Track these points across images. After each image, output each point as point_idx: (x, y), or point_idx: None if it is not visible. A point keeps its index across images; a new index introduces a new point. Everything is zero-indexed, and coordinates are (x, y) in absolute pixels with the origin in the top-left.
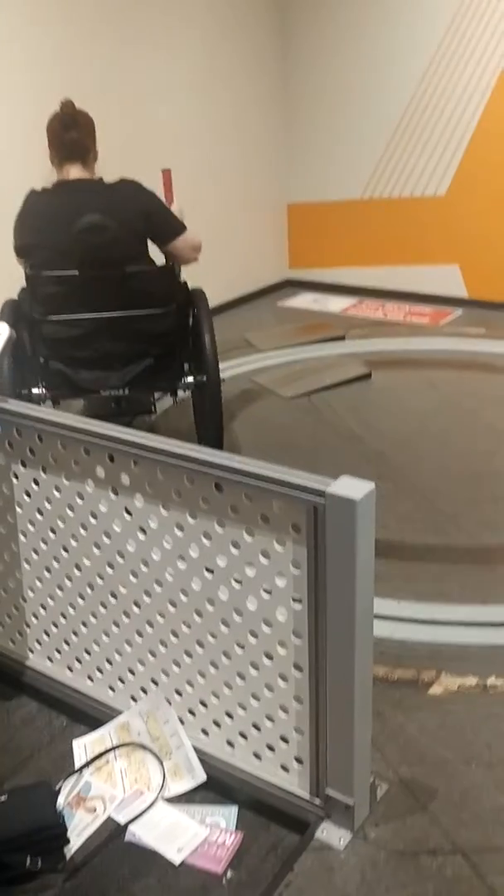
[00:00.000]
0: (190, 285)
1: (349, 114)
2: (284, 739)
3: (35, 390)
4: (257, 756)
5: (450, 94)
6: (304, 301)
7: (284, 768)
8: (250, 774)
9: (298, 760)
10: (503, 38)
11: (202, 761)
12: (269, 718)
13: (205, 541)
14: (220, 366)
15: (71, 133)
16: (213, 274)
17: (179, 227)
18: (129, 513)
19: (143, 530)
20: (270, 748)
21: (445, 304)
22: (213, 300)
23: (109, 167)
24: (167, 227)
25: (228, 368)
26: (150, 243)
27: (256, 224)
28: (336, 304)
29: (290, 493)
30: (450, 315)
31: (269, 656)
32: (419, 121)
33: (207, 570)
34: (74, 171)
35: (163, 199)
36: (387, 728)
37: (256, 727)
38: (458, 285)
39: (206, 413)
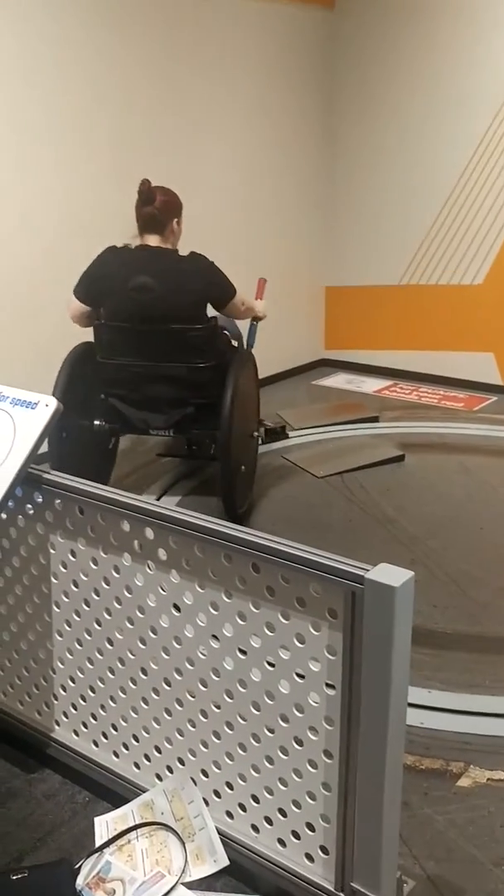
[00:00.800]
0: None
1: (391, 203)
2: (311, 827)
3: (96, 422)
4: (282, 842)
5: (490, 187)
6: (338, 381)
7: (309, 857)
8: (274, 861)
9: (324, 850)
10: None
11: (225, 845)
12: (296, 805)
13: (239, 621)
14: None
15: (147, 208)
16: None
17: (232, 293)
18: (163, 588)
19: (178, 607)
20: (296, 835)
21: (480, 391)
22: None
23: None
24: (223, 294)
25: (262, 446)
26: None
27: (294, 304)
28: (370, 385)
29: (328, 577)
30: (484, 402)
31: (300, 742)
32: (459, 212)
33: (241, 650)
34: (152, 241)
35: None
36: (414, 820)
37: (283, 813)
38: (493, 373)
39: (220, 467)
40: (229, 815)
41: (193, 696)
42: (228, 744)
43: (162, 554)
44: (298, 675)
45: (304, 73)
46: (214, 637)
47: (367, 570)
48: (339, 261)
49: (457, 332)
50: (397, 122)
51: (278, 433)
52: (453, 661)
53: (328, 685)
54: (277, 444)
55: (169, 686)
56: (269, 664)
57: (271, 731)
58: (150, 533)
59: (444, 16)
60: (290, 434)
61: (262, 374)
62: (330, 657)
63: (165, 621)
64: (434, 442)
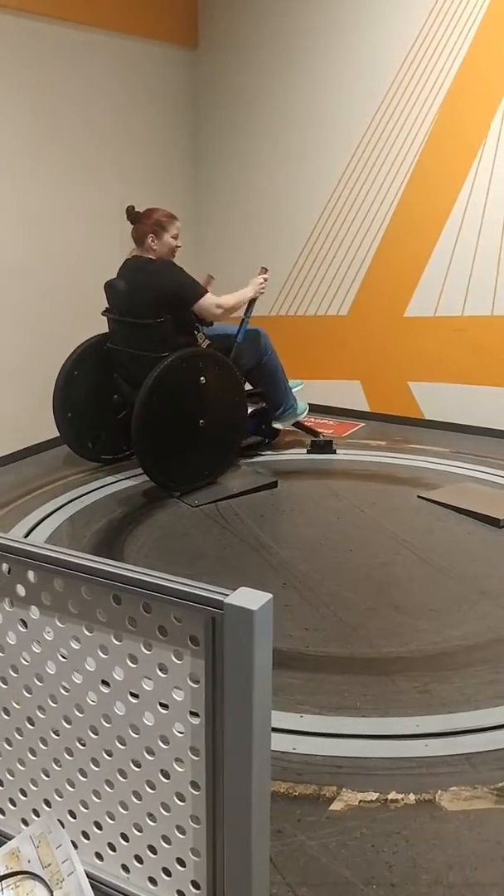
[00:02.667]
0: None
1: (258, 238)
2: (181, 862)
3: (115, 396)
4: (153, 881)
5: (350, 221)
6: None
7: (181, 893)
8: None
9: (195, 885)
10: (395, 177)
11: (95, 889)
12: (166, 840)
13: (101, 654)
14: (126, 472)
15: (134, 227)
16: None
17: (193, 294)
18: (24, 625)
19: (39, 643)
20: (167, 872)
21: (349, 417)
22: None
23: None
24: (182, 293)
25: (134, 476)
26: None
27: None
28: None
29: (188, 604)
30: (353, 427)
31: (166, 774)
32: (322, 247)
33: (104, 683)
34: (136, 252)
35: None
36: (287, 847)
37: (152, 850)
38: (360, 400)
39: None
40: (98, 856)
41: (58, 735)
42: (95, 781)
43: (20, 590)
44: (162, 705)
45: (169, 111)
46: (77, 672)
47: (227, 595)
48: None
49: (326, 361)
50: (261, 160)
51: (322, 446)
52: (325, 683)
53: (192, 713)
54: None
55: (32, 726)
56: (133, 696)
57: (137, 765)
58: (7, 570)
59: (304, 57)
60: None
61: None
62: (193, 685)
63: (27, 659)
64: (306, 468)
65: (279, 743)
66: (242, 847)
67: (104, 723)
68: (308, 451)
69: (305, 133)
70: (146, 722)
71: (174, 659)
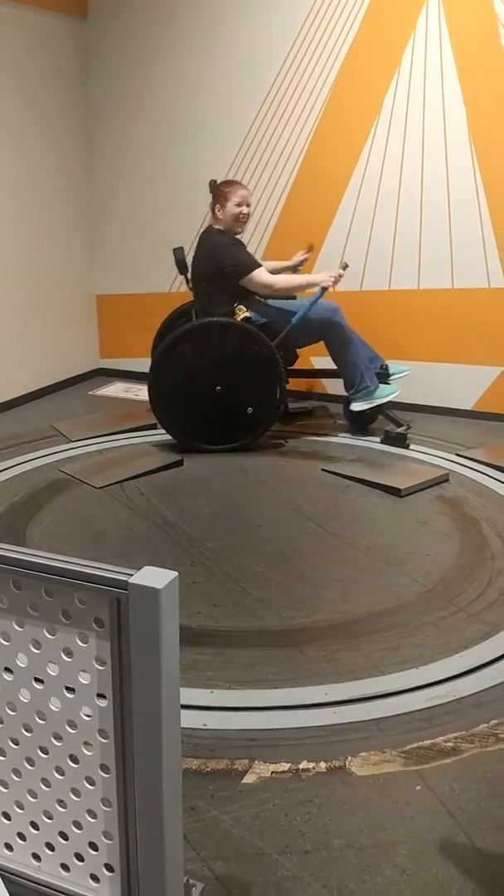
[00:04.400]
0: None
1: (153, 212)
2: (93, 847)
3: None
4: (65, 867)
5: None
6: (116, 390)
7: (95, 878)
8: (59, 888)
9: (109, 868)
10: (292, 152)
11: (6, 880)
12: (77, 825)
13: (3, 642)
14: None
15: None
16: (21, 363)
17: (244, 271)
18: None
19: None
20: (79, 857)
21: None
22: (21, 389)
23: None
24: (229, 265)
25: (36, 459)
26: None
27: (65, 314)
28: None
29: (91, 587)
30: None
31: (75, 759)
32: None
33: (7, 670)
34: (210, 222)
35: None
36: (201, 823)
37: (64, 836)
38: None
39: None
40: (8, 847)
41: None
42: (2, 771)
43: None
44: (69, 689)
45: (60, 81)
46: None
47: (131, 575)
48: (109, 270)
49: None
50: (154, 134)
51: (393, 438)
52: (235, 658)
53: (100, 696)
54: (55, 456)
55: None
56: (38, 681)
57: (45, 751)
58: None
59: (198, 27)
60: (68, 446)
61: (35, 387)
62: (99, 667)
63: None
64: None
65: (190, 720)
66: (155, 827)
67: (9, 711)
68: (381, 441)
69: (201, 103)
70: (52, 707)
71: (79, 642)
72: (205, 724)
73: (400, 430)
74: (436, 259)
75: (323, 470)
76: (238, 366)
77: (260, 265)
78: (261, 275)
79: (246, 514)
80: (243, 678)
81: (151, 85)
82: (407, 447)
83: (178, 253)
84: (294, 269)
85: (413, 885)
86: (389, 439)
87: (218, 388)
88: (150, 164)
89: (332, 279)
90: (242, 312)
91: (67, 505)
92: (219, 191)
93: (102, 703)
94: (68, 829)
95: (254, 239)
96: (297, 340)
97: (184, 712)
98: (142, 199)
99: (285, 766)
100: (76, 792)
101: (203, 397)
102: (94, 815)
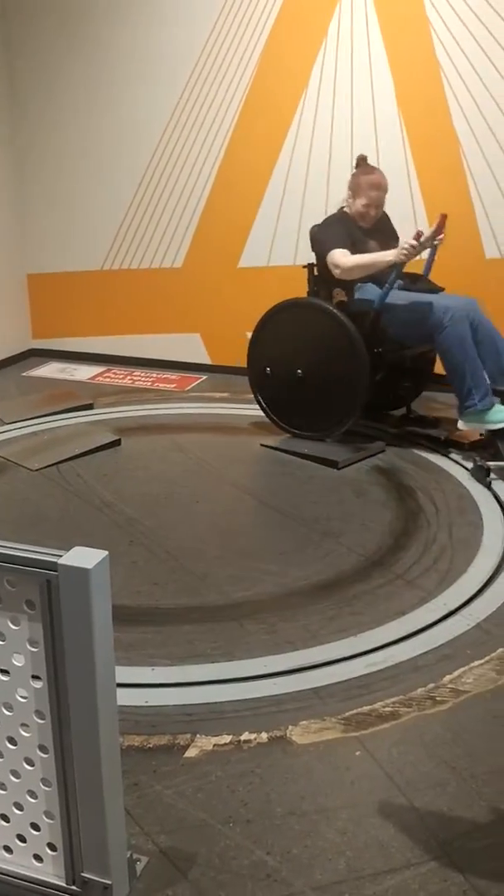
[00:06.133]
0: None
1: (85, 186)
2: (35, 827)
3: None
4: (8, 849)
5: (178, 171)
6: (50, 371)
7: (38, 857)
8: (2, 871)
9: (52, 847)
10: (220, 128)
11: None
12: (18, 806)
13: None
14: None
15: None
16: None
17: (325, 250)
18: None
19: None
20: (21, 838)
21: (190, 371)
22: None
23: None
24: (318, 247)
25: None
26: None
27: None
28: (83, 372)
29: (21, 569)
30: (195, 381)
31: (13, 741)
32: (152, 198)
33: None
34: None
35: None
36: (144, 798)
37: (5, 818)
38: (201, 353)
39: None
40: None
41: None
42: None
43: None
44: (3, 671)
45: None
46: None
47: (60, 556)
48: (40, 248)
49: (163, 314)
50: (82, 106)
51: (480, 471)
52: (175, 635)
53: (34, 677)
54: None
55: None
56: None
57: None
58: None
59: (122, 7)
60: (2, 428)
61: None
62: (33, 649)
63: None
64: (149, 424)
65: (131, 698)
66: (96, 804)
67: None
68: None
69: (128, 81)
70: None
71: (11, 625)
72: (146, 702)
73: (487, 463)
74: None
75: (261, 445)
76: (321, 351)
77: (342, 245)
78: (334, 254)
79: (184, 492)
80: (184, 654)
81: (77, 50)
82: (488, 485)
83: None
84: (432, 247)
85: (354, 847)
86: (477, 471)
87: (299, 371)
88: (79, 142)
89: (404, 253)
90: (339, 296)
91: (2, 489)
92: (356, 182)
93: (38, 684)
94: (9, 811)
95: (182, 221)
96: (396, 334)
97: (125, 690)
98: (70, 177)
99: (227, 739)
100: (16, 773)
101: (287, 380)
102: (34, 796)
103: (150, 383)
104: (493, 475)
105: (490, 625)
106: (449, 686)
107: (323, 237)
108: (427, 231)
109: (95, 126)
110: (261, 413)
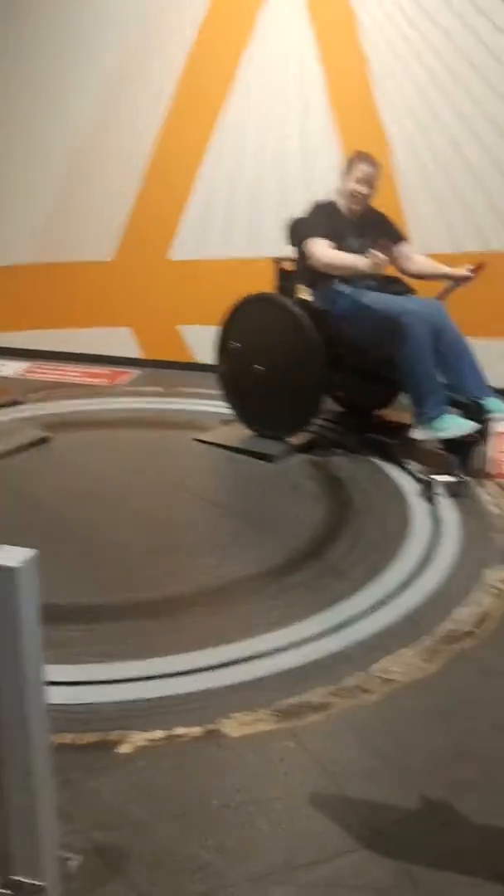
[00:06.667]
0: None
1: (10, 178)
2: None
3: None
4: None
5: (110, 162)
6: None
7: None
8: None
9: None
10: (157, 107)
11: None
12: None
13: None
14: None
15: None
16: None
17: (303, 234)
18: None
19: None
20: None
21: (121, 365)
22: None
23: None
24: (296, 237)
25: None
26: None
27: None
28: (11, 368)
29: None
30: (126, 375)
31: None
32: (82, 188)
33: None
34: None
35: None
36: (77, 796)
37: None
38: (133, 347)
39: None
40: None
41: None
42: None
43: None
44: None
45: None
46: None
47: None
48: None
49: (94, 308)
50: (9, 97)
51: (428, 487)
52: (106, 632)
53: None
54: None
55: None
56: None
57: None
58: None
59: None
60: None
61: None
62: None
63: None
64: (80, 419)
65: (64, 696)
66: (26, 804)
67: None
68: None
69: (57, 72)
70: None
71: None
72: (79, 699)
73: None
74: None
75: (194, 440)
76: (280, 349)
77: (324, 236)
78: (315, 243)
79: (116, 488)
80: (116, 651)
81: (3, 51)
82: (429, 500)
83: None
84: (454, 282)
85: (287, 837)
86: (428, 488)
87: (259, 367)
88: (5, 131)
89: (375, 262)
90: (302, 292)
91: None
92: (348, 159)
93: None
94: None
95: (112, 214)
96: (354, 337)
97: (57, 688)
98: None
99: (160, 734)
100: None
101: (248, 374)
102: None
103: (79, 378)
104: (435, 490)
105: (418, 614)
106: (379, 676)
107: (305, 224)
108: (461, 270)
109: (23, 117)
110: (194, 408)
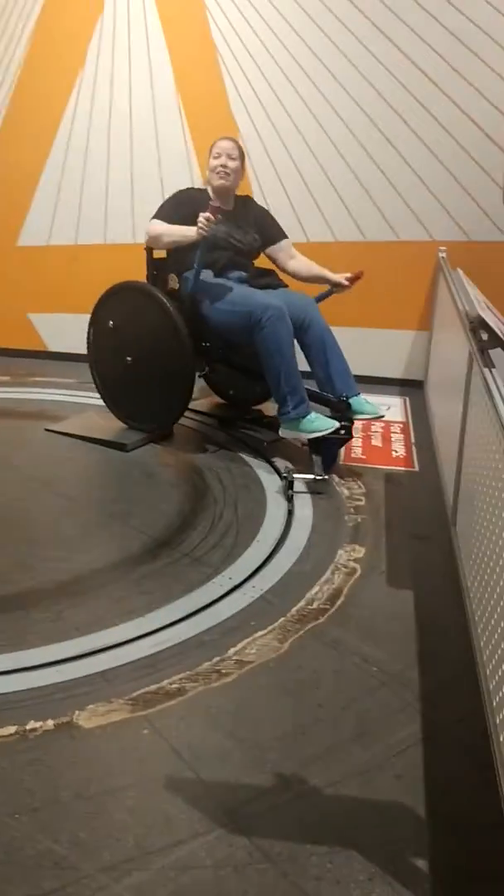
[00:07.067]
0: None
1: None
2: None
3: None
4: None
5: None
6: None
7: None
8: None
9: None
10: (0, 91)
11: None
12: None
13: None
14: None
15: None
16: None
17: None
18: None
19: None
20: None
21: None
22: None
23: None
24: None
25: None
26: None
27: None
28: None
29: None
30: None
31: None
32: None
33: None
34: None
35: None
36: None
37: None
38: None
39: None
40: None
41: None
42: None
43: None
44: None
45: None
46: None
47: None
48: None
49: None
50: None
51: (291, 485)
52: None
53: None
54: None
55: None
56: None
57: None
58: None
59: None
60: None
61: None
62: None
63: None
64: None
65: None
66: None
67: None
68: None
69: None
70: None
71: None
72: None
73: (290, 474)
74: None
75: (46, 430)
76: (149, 340)
77: (164, 218)
78: (152, 223)
79: None
80: None
81: None
82: (289, 499)
83: None
84: (333, 287)
85: (142, 824)
86: (290, 485)
87: (129, 358)
88: None
89: (203, 227)
90: (172, 283)
91: None
92: (211, 146)
93: None
94: None
95: None
96: (217, 329)
97: None
98: None
99: (12, 730)
100: None
101: (118, 366)
102: None
103: None
104: (295, 489)
105: (273, 595)
106: (234, 658)
107: (158, 210)
108: (339, 277)
109: None
110: (47, 397)
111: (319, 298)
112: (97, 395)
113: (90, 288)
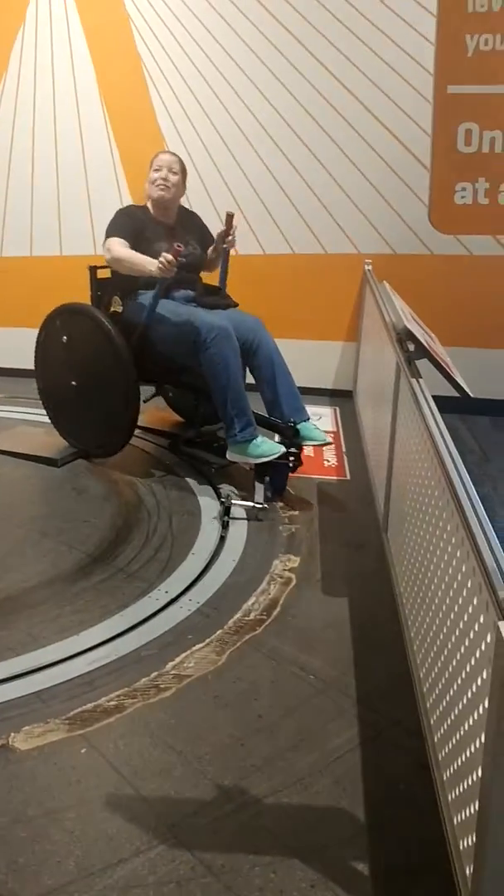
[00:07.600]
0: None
1: None
2: None
3: None
4: None
5: None
6: None
7: None
8: None
9: None
10: None
11: None
12: None
13: None
14: None
15: None
16: None
17: (106, 235)
18: None
19: None
20: None
21: None
22: None
23: None
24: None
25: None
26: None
27: None
28: None
29: None
30: None
31: None
32: None
33: None
34: None
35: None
36: None
37: None
38: None
39: None
40: None
41: None
42: None
43: None
44: None
45: None
46: None
47: None
48: None
49: None
50: None
51: (226, 511)
52: None
53: None
54: None
55: None
56: None
57: None
58: None
59: None
60: None
61: None
62: None
63: None
64: None
65: None
66: None
67: None
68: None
69: None
70: None
71: None
72: None
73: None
74: (78, 226)
75: None
76: (92, 363)
77: (121, 235)
78: (111, 240)
79: None
80: None
81: None
82: (224, 525)
83: None
84: (220, 244)
85: (82, 844)
86: (226, 511)
87: (73, 382)
88: None
89: (159, 267)
90: (115, 305)
91: None
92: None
93: None
94: None
95: None
96: (163, 350)
97: None
98: None
99: None
100: None
101: (64, 388)
102: None
103: None
104: (231, 515)
105: (209, 608)
106: (172, 672)
107: (108, 227)
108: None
109: None
110: None
111: (222, 278)
112: (26, 409)
113: (18, 300)
